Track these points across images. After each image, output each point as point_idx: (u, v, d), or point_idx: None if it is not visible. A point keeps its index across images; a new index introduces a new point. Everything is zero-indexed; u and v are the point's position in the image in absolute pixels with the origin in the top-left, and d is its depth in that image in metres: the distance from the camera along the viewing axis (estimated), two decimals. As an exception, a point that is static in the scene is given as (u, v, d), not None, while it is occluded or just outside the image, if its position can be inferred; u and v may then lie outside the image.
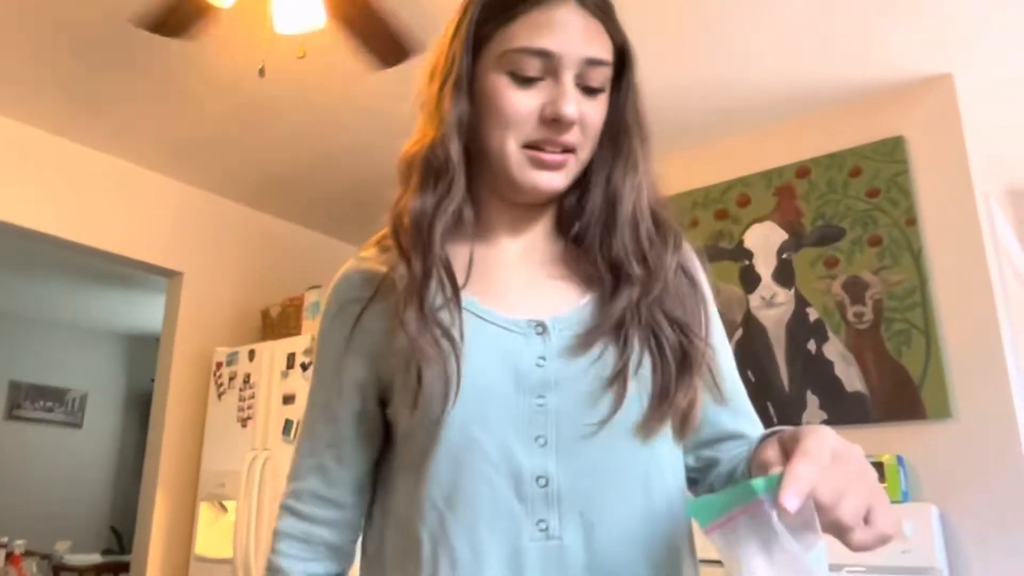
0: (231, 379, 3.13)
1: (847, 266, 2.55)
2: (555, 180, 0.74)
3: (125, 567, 3.70)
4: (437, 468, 0.69)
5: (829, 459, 0.53)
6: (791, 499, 0.50)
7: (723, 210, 2.85)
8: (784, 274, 2.66)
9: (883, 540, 0.54)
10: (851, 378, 2.46)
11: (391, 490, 0.76)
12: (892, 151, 2.55)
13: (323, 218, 3.88)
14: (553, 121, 0.71)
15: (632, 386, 0.69)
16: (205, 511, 3.05)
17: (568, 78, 0.71)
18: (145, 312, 5.33)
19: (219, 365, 3.20)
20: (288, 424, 2.82)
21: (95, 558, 4.50)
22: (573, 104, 0.71)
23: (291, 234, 3.90)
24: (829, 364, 2.50)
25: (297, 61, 2.45)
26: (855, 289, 2.51)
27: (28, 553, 4.26)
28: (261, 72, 2.19)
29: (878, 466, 2.29)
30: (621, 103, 0.77)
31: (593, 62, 0.72)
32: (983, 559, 2.21)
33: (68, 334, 5.73)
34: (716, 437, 0.79)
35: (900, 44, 2.40)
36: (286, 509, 0.80)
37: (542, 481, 0.68)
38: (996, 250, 2.50)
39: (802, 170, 2.71)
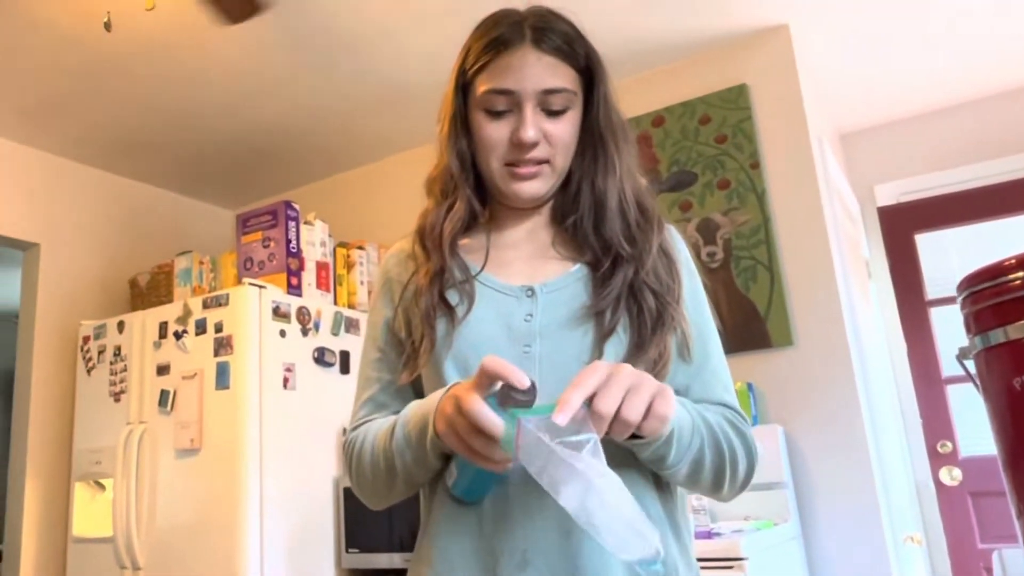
0: (100, 353, 3.03)
1: (699, 209, 2.70)
2: (531, 188, 0.94)
3: None
4: None
5: (600, 379, 0.70)
6: (560, 416, 0.67)
7: (587, 160, 2.95)
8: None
9: (659, 419, 0.73)
10: (705, 314, 2.63)
11: None
12: (736, 98, 2.70)
13: (188, 181, 3.76)
14: (518, 145, 0.91)
15: (610, 342, 0.87)
16: (81, 491, 2.97)
17: (529, 108, 0.91)
18: (1, 287, 5.03)
19: (86, 339, 3.09)
20: (164, 395, 2.77)
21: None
22: (531, 130, 0.90)
23: (156, 198, 3.76)
24: (685, 302, 2.66)
25: (147, 14, 2.36)
26: (707, 230, 2.67)
27: None
28: (107, 25, 2.10)
29: (731, 393, 2.47)
30: (594, 115, 0.96)
31: (550, 91, 0.91)
32: (821, 471, 2.45)
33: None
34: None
35: (740, -4, 2.53)
36: (349, 431, 1.00)
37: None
38: (829, 189, 2.70)
39: (657, 119, 2.84)
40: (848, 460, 2.41)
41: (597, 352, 0.87)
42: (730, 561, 1.92)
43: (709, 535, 2.09)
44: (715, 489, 0.88)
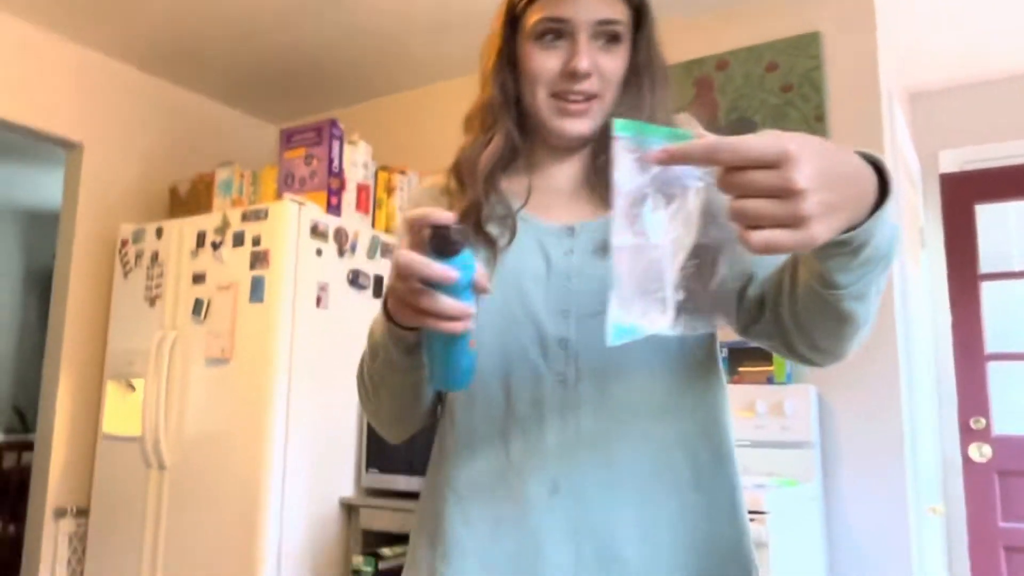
0: (138, 257, 3.04)
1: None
2: (579, 125, 0.92)
3: (29, 446, 3.65)
4: (482, 330, 0.83)
5: (747, 156, 0.55)
6: (660, 154, 0.59)
7: (643, 100, 2.86)
8: (697, 166, 2.72)
9: (745, 243, 0.56)
10: (752, 267, 2.58)
11: None
12: (808, 47, 2.59)
13: (236, 92, 3.70)
14: (571, 74, 0.89)
15: None
16: (112, 390, 3.01)
17: (582, 38, 0.89)
18: (43, 186, 5.05)
19: (124, 243, 3.09)
20: (198, 304, 2.78)
21: (-2, 437, 4.43)
22: (585, 60, 0.89)
23: (202, 107, 3.72)
24: (732, 254, 2.61)
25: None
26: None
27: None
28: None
29: (765, 351, 2.44)
30: (641, 56, 0.95)
31: (603, 22, 0.90)
32: (851, 435, 2.42)
33: (-42, 209, 5.39)
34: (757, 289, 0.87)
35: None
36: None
37: (563, 343, 0.87)
38: (894, 151, 2.60)
39: (721, 63, 2.74)
40: (880, 426, 2.38)
41: None
42: (752, 514, 1.92)
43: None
44: (838, 346, 0.79)
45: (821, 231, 0.56)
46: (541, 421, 0.85)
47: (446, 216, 0.69)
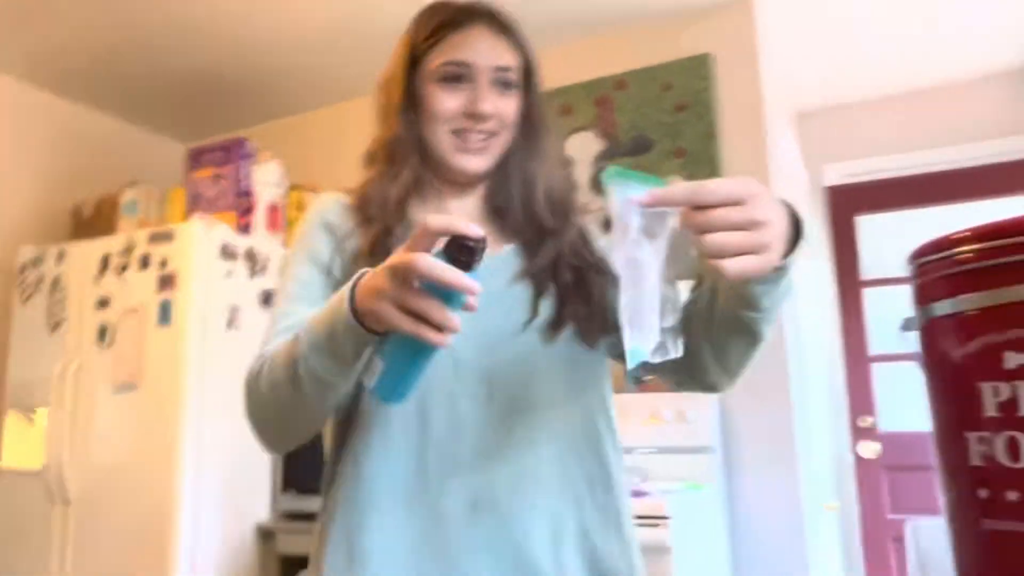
0: (38, 282, 2.95)
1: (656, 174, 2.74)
2: (477, 162, 0.99)
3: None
4: None
5: (718, 197, 0.65)
6: (646, 198, 0.67)
7: (547, 120, 2.96)
8: (599, 182, 2.83)
9: (719, 271, 0.65)
10: (653, 280, 2.70)
11: None
12: (699, 68, 2.73)
13: (143, 111, 3.63)
14: (473, 115, 0.96)
15: (543, 300, 0.94)
16: (11, 421, 2.90)
17: (483, 82, 0.96)
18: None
19: (23, 267, 2.99)
20: (103, 330, 2.72)
21: None
22: (488, 103, 0.96)
23: (105, 126, 3.63)
24: (635, 267, 2.72)
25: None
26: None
27: None
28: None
29: (672, 358, 2.55)
30: (529, 104, 1.02)
31: (502, 68, 0.97)
32: (749, 439, 2.55)
33: None
34: None
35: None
36: (258, 359, 0.93)
37: (475, 365, 0.91)
38: (779, 165, 2.77)
39: (620, 83, 2.86)
40: (775, 429, 2.51)
41: (533, 308, 0.94)
42: (655, 519, 2.00)
43: (639, 494, 2.16)
44: (743, 365, 0.91)
45: (776, 257, 0.68)
46: (457, 440, 0.89)
47: (475, 230, 0.68)
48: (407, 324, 0.69)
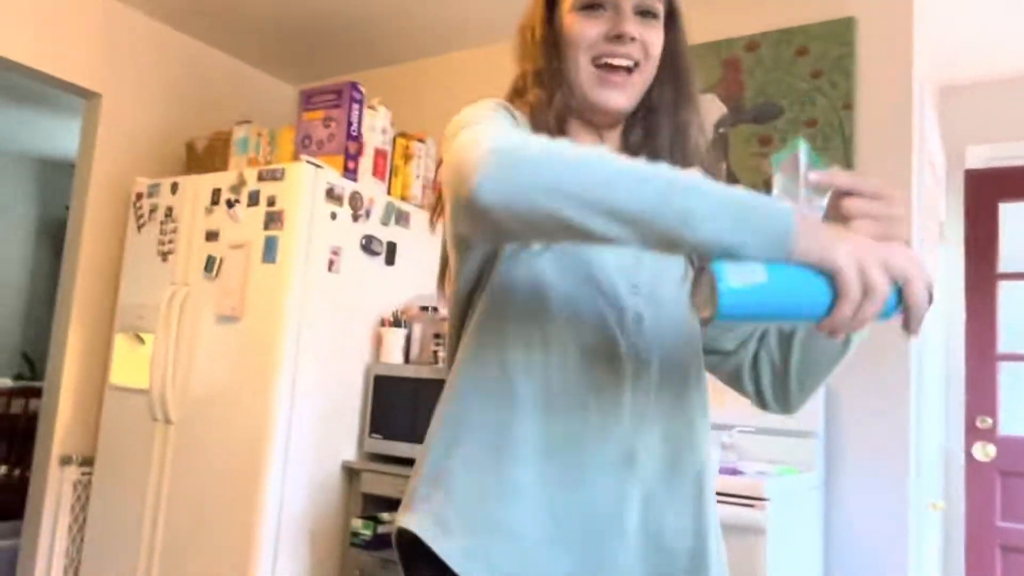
0: (152, 211, 3.03)
1: (781, 145, 2.59)
2: (619, 98, 0.93)
3: (37, 392, 3.68)
4: (559, 294, 0.89)
5: (872, 190, 0.73)
6: (824, 177, 0.74)
7: (668, 79, 2.82)
8: (719, 148, 2.69)
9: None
10: (769, 254, 2.56)
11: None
12: (841, 32, 2.54)
13: (258, 51, 3.67)
14: (617, 37, 0.91)
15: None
16: (121, 342, 3.02)
17: (626, 8, 0.92)
18: (59, 135, 5.04)
19: (139, 196, 3.08)
20: (210, 261, 2.78)
21: (6, 382, 4.46)
22: (631, 24, 0.91)
23: (222, 64, 3.69)
24: (749, 240, 2.59)
25: None
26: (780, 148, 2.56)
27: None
28: None
29: (782, 339, 2.42)
30: (676, 46, 0.97)
31: (641, 6, 0.93)
32: (856, 427, 2.41)
33: (-27, 154, 5.39)
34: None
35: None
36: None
37: (638, 318, 0.89)
38: (921, 144, 2.56)
39: (751, 44, 2.69)
40: (886, 420, 2.37)
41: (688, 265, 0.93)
42: (752, 500, 1.95)
43: (735, 472, 2.11)
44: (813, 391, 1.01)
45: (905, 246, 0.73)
46: (618, 393, 0.86)
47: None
48: (876, 287, 0.67)
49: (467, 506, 0.83)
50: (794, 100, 2.58)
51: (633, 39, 0.91)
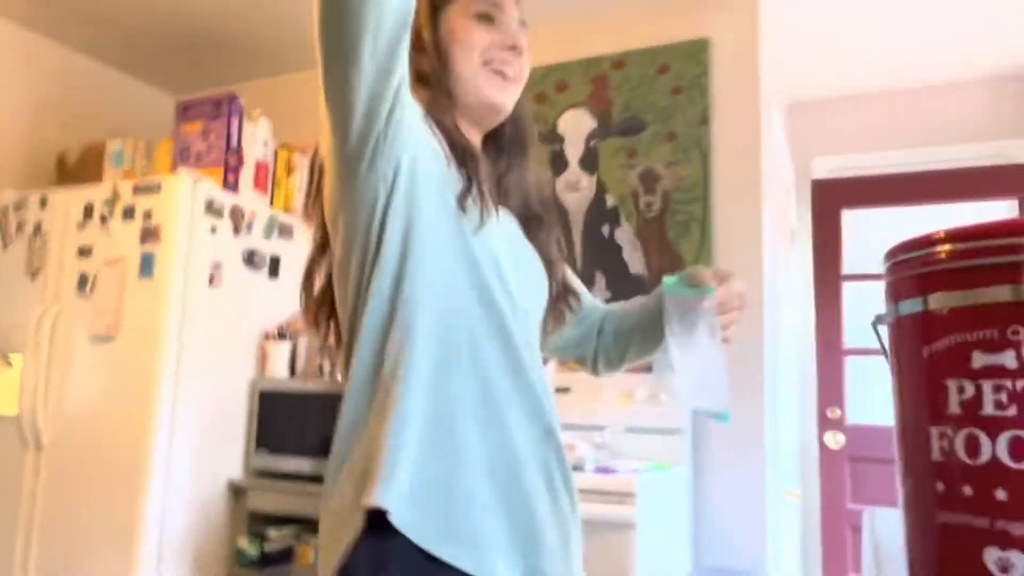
0: (19, 227, 2.92)
1: (645, 158, 2.76)
2: (507, 99, 1.03)
3: None
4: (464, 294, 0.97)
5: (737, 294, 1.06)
6: (705, 301, 1.01)
7: (542, 93, 2.96)
8: (589, 161, 2.84)
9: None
10: (635, 262, 2.73)
11: None
12: (698, 52, 2.74)
13: (134, 59, 3.58)
14: (512, 47, 1.01)
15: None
16: (-12, 364, 2.89)
17: (514, 20, 1.02)
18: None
19: (5, 211, 2.96)
20: (83, 278, 2.70)
21: None
22: (523, 37, 1.03)
23: (95, 73, 3.58)
24: (618, 248, 2.75)
25: None
26: (648, 180, 2.74)
27: None
28: None
29: (650, 340, 2.58)
30: None
31: (522, 23, 1.04)
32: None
33: None
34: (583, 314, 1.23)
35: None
36: None
37: (525, 314, 1.01)
38: (770, 156, 2.79)
39: (618, 62, 2.86)
40: (744, 414, 2.55)
41: (550, 279, 1.09)
42: (622, 496, 2.05)
43: (607, 471, 2.21)
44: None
45: None
46: (530, 379, 0.93)
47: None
48: None
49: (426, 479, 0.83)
50: (657, 115, 2.76)
51: (522, 52, 1.03)
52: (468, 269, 0.90)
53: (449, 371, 0.87)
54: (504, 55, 1.01)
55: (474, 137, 1.05)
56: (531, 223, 1.08)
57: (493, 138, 1.09)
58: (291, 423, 2.73)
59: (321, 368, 2.84)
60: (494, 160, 1.08)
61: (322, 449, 2.66)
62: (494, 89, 1.01)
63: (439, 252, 0.89)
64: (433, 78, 1.00)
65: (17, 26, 3.25)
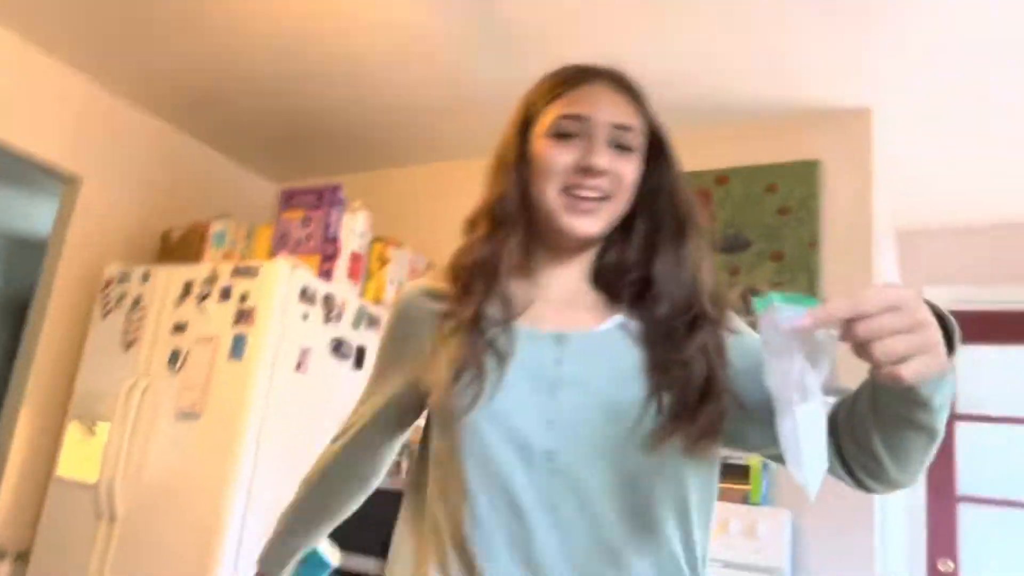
0: (120, 299, 3.00)
1: (747, 276, 2.66)
2: (588, 224, 0.91)
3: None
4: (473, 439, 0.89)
5: (878, 305, 0.63)
6: (809, 321, 0.64)
7: (641, 205, 2.92)
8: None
9: (896, 378, 0.64)
10: (735, 383, 2.59)
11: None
12: (808, 174, 2.67)
13: (240, 146, 3.73)
14: (586, 169, 0.90)
15: (657, 399, 0.86)
16: (73, 431, 2.92)
17: (600, 137, 0.90)
18: (33, 214, 5.00)
19: (108, 283, 3.05)
20: (175, 355, 2.73)
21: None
22: (603, 156, 0.90)
23: (203, 157, 3.74)
24: (717, 367, 2.62)
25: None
26: (751, 299, 2.63)
27: None
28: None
29: (745, 469, 2.42)
30: (659, 177, 0.95)
31: (620, 127, 0.92)
32: (823, 565, 2.38)
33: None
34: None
35: (823, 72, 2.50)
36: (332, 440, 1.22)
37: (550, 455, 0.86)
38: (881, 283, 2.66)
39: (721, 178, 2.81)
40: (851, 559, 2.35)
41: (642, 407, 0.85)
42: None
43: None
44: (923, 463, 0.83)
45: (943, 354, 0.66)
46: (526, 534, 0.84)
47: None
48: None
49: None
50: (762, 234, 2.67)
51: (603, 172, 0.90)
52: None
53: None
54: (579, 179, 0.91)
55: (555, 265, 0.98)
56: (669, 330, 0.92)
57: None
58: (362, 520, 2.64)
59: (398, 465, 2.76)
60: (611, 268, 0.97)
61: (383, 550, 2.56)
62: (568, 216, 0.92)
63: None
64: (507, 206, 0.96)
65: (130, 106, 3.42)
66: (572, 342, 0.90)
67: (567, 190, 0.91)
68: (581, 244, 0.95)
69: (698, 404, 0.85)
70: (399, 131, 3.38)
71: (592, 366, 0.89)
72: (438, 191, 3.52)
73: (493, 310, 0.92)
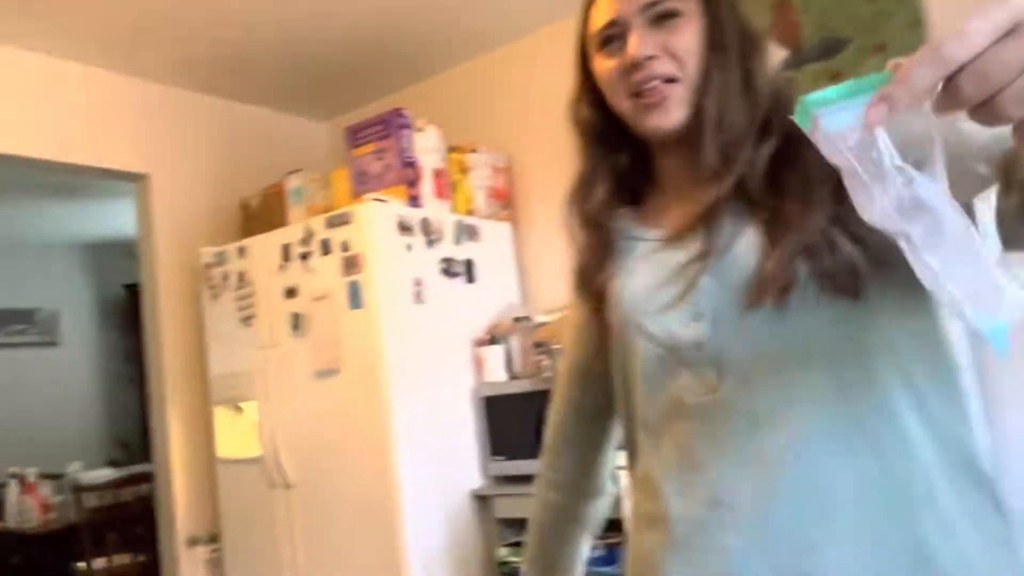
0: (224, 279, 3.00)
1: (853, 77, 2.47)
2: (663, 117, 0.83)
3: (146, 478, 3.69)
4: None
5: (984, 35, 0.42)
6: (867, 116, 0.45)
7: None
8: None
9: None
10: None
11: None
12: (895, -51, 2.41)
13: (287, 97, 3.61)
14: (628, 69, 0.83)
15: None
16: (221, 414, 3.00)
17: (634, 28, 0.83)
18: (107, 217, 5.04)
19: (208, 266, 3.06)
20: (295, 318, 2.74)
21: (108, 473, 4.49)
22: (633, 46, 0.82)
23: (257, 118, 3.65)
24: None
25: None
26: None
27: (42, 476, 4.23)
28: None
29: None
30: (715, 26, 0.83)
31: (649, 5, 0.82)
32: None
33: (29, 252, 5.43)
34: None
35: None
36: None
37: (698, 346, 0.80)
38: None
39: (799, -19, 2.57)
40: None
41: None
42: None
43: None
44: None
45: None
46: (688, 437, 0.81)
47: None
48: None
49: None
50: (858, 29, 2.45)
51: (641, 61, 0.81)
52: None
53: None
54: (629, 80, 0.84)
55: (666, 161, 0.92)
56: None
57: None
58: (520, 426, 2.68)
59: (539, 365, 2.75)
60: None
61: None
62: (644, 117, 0.85)
63: None
64: (601, 134, 0.96)
65: (181, 89, 3.34)
66: (694, 238, 0.88)
67: (633, 96, 0.84)
68: (675, 134, 0.85)
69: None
70: (439, 33, 3.18)
71: (729, 256, 0.85)
72: (496, 81, 3.33)
73: (615, 237, 0.93)
